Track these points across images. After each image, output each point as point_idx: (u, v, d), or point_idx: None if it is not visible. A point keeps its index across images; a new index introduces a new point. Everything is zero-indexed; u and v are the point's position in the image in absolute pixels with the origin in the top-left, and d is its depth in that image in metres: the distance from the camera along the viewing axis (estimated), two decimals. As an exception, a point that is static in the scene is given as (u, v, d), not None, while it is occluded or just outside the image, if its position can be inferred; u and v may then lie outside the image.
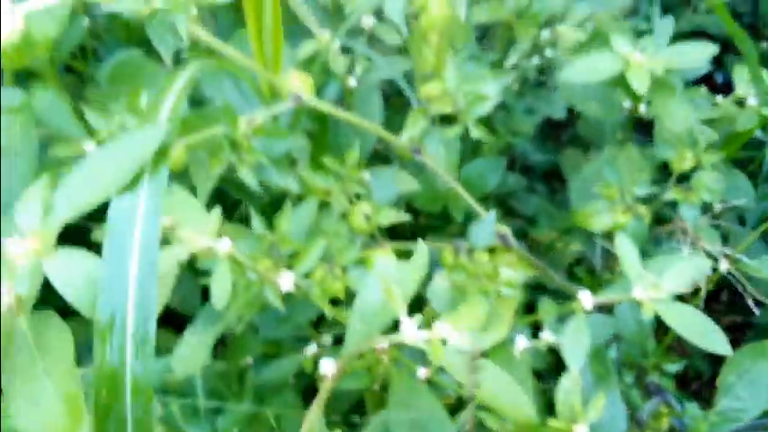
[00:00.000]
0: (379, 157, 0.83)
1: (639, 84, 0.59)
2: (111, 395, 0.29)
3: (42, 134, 0.50)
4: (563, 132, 1.10)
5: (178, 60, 0.68)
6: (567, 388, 0.47)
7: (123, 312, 0.30)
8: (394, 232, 0.70)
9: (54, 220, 0.30)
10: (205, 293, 0.61)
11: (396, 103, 0.85)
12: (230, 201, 0.75)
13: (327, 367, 0.40)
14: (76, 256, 0.31)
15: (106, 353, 0.29)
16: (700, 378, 0.87)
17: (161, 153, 0.33)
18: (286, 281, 0.47)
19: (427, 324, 0.40)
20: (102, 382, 0.29)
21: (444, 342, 0.37)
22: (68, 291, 0.30)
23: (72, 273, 0.30)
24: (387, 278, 0.41)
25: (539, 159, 1.01)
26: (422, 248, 0.42)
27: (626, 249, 0.51)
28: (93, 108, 0.50)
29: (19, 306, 0.30)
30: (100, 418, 0.29)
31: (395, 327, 0.44)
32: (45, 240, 0.30)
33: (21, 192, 0.38)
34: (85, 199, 0.30)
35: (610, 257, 0.76)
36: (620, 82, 0.63)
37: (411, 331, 0.37)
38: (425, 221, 0.88)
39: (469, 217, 0.81)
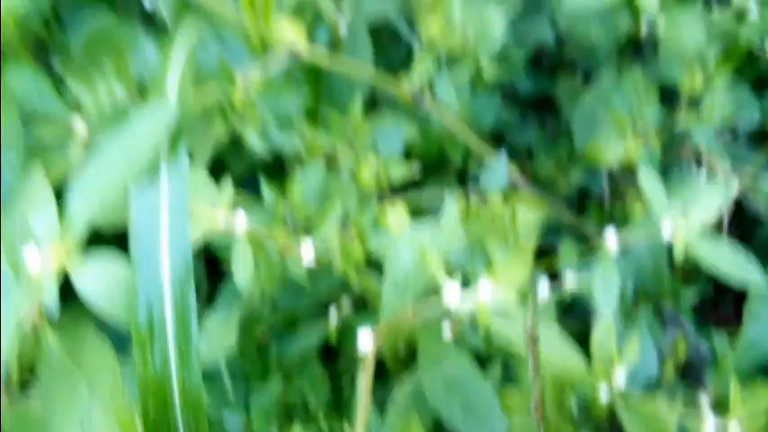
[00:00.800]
0: (368, 103, 0.80)
1: (649, 3, 0.55)
2: (159, 406, 0.27)
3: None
4: (545, 58, 1.07)
5: (152, 22, 0.63)
6: (602, 335, 0.46)
7: (161, 315, 0.27)
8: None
9: (74, 226, 0.27)
10: (212, 268, 0.59)
11: (386, 43, 0.81)
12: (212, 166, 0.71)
13: (366, 341, 0.38)
14: (103, 261, 0.28)
15: (149, 361, 0.27)
16: (703, 300, 0.88)
17: (176, 134, 0.30)
18: (307, 250, 0.44)
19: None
20: (148, 393, 0.27)
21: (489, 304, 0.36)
22: (99, 299, 0.27)
23: (101, 280, 0.27)
24: (420, 242, 0.38)
25: (527, 89, 0.98)
26: (450, 206, 0.40)
27: (649, 182, 0.49)
28: (74, 80, 0.46)
29: (43, 321, 0.28)
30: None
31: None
32: (67, 248, 0.27)
33: (14, 184, 0.35)
34: (102, 196, 0.27)
35: (616, 186, 0.75)
36: (626, 2, 0.60)
37: (455, 297, 0.35)
38: (420, 166, 0.85)
39: (467, 157, 0.79)
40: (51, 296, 0.27)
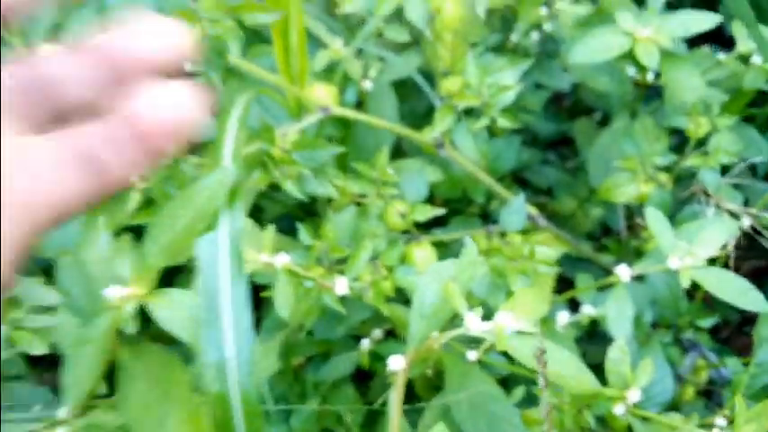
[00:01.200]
0: (395, 150, 0.85)
1: (649, 59, 0.60)
2: (223, 417, 0.32)
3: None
4: (565, 99, 1.11)
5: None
6: (616, 357, 0.50)
7: (221, 341, 0.32)
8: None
9: (151, 268, 0.33)
10: (258, 302, 0.64)
11: (410, 94, 0.87)
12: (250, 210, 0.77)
13: (397, 364, 0.42)
14: (175, 296, 0.33)
15: (214, 378, 0.32)
16: (729, 325, 0.90)
17: (234, 192, 0.35)
18: (341, 286, 0.49)
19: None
20: (214, 407, 0.32)
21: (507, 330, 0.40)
22: (173, 326, 0.33)
23: (174, 311, 0.33)
24: (443, 276, 0.43)
25: (546, 130, 1.02)
26: (470, 246, 0.44)
27: (656, 222, 0.53)
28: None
29: (120, 342, 0.33)
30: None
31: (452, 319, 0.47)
32: (145, 285, 0.33)
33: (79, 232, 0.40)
34: (171, 244, 0.33)
35: (632, 221, 0.79)
36: (629, 56, 0.64)
37: (475, 325, 0.40)
38: (445, 204, 0.90)
39: (490, 197, 0.84)
40: (130, 324, 0.32)
